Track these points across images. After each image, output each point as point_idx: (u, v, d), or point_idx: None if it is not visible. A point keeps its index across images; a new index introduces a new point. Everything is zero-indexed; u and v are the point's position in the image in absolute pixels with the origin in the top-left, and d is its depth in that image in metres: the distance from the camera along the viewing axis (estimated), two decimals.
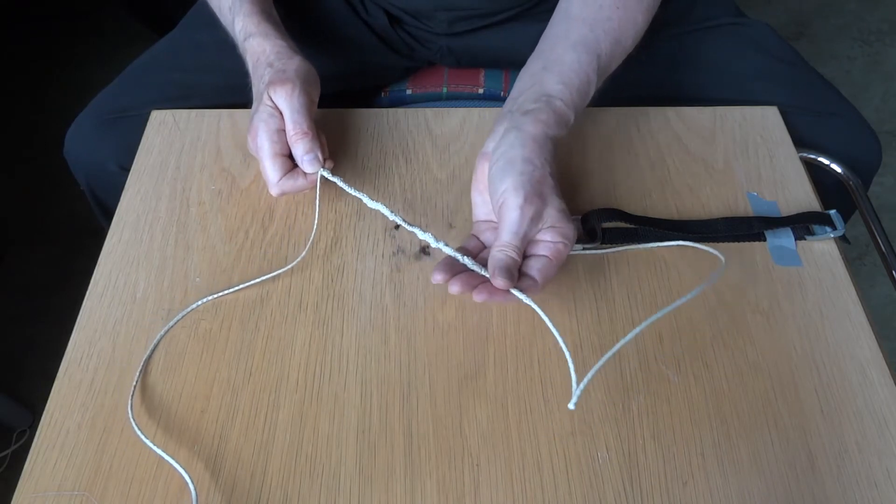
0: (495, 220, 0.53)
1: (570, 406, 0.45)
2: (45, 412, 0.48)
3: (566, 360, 0.50)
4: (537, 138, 0.52)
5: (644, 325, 0.47)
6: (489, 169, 0.52)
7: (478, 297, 0.48)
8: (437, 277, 0.49)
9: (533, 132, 0.52)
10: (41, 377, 0.57)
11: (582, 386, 0.45)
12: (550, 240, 0.50)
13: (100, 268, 0.56)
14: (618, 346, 0.45)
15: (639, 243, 0.56)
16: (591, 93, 0.57)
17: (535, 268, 0.50)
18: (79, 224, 1.32)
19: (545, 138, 0.53)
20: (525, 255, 0.51)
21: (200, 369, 0.50)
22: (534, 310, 0.49)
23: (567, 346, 0.46)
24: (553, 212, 0.50)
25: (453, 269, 0.50)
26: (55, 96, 1.61)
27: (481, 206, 0.55)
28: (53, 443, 0.47)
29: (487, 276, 0.49)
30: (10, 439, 1.12)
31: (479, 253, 0.53)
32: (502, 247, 0.49)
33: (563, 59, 0.57)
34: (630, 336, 0.46)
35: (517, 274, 0.49)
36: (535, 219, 0.50)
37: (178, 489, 0.44)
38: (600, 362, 0.45)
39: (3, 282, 1.34)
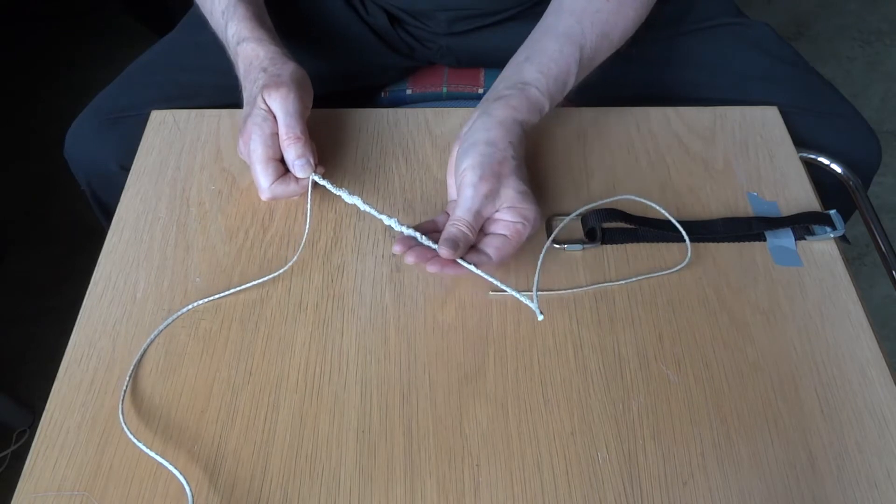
0: None
1: (539, 318, 0.50)
2: (45, 412, 0.48)
3: (566, 360, 0.50)
4: (504, 122, 0.54)
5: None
6: (456, 151, 0.55)
7: (430, 268, 0.51)
8: (396, 249, 0.52)
9: (501, 117, 0.54)
10: (41, 377, 0.57)
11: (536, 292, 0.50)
12: (510, 219, 0.52)
13: (100, 268, 0.56)
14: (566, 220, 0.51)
15: (639, 243, 0.56)
16: (571, 83, 0.59)
17: (491, 245, 0.52)
18: (79, 224, 1.32)
19: (513, 122, 0.54)
20: (484, 233, 0.53)
21: (200, 369, 0.50)
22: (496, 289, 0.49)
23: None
24: (512, 192, 0.52)
25: (412, 242, 0.53)
26: (55, 96, 1.61)
27: (453, 187, 0.56)
28: (53, 443, 0.47)
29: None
30: (10, 439, 1.12)
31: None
32: (454, 221, 0.51)
33: (546, 49, 0.58)
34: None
35: (464, 246, 0.51)
36: (490, 196, 0.52)
37: (178, 489, 0.44)
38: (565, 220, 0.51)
39: (3, 282, 1.34)
